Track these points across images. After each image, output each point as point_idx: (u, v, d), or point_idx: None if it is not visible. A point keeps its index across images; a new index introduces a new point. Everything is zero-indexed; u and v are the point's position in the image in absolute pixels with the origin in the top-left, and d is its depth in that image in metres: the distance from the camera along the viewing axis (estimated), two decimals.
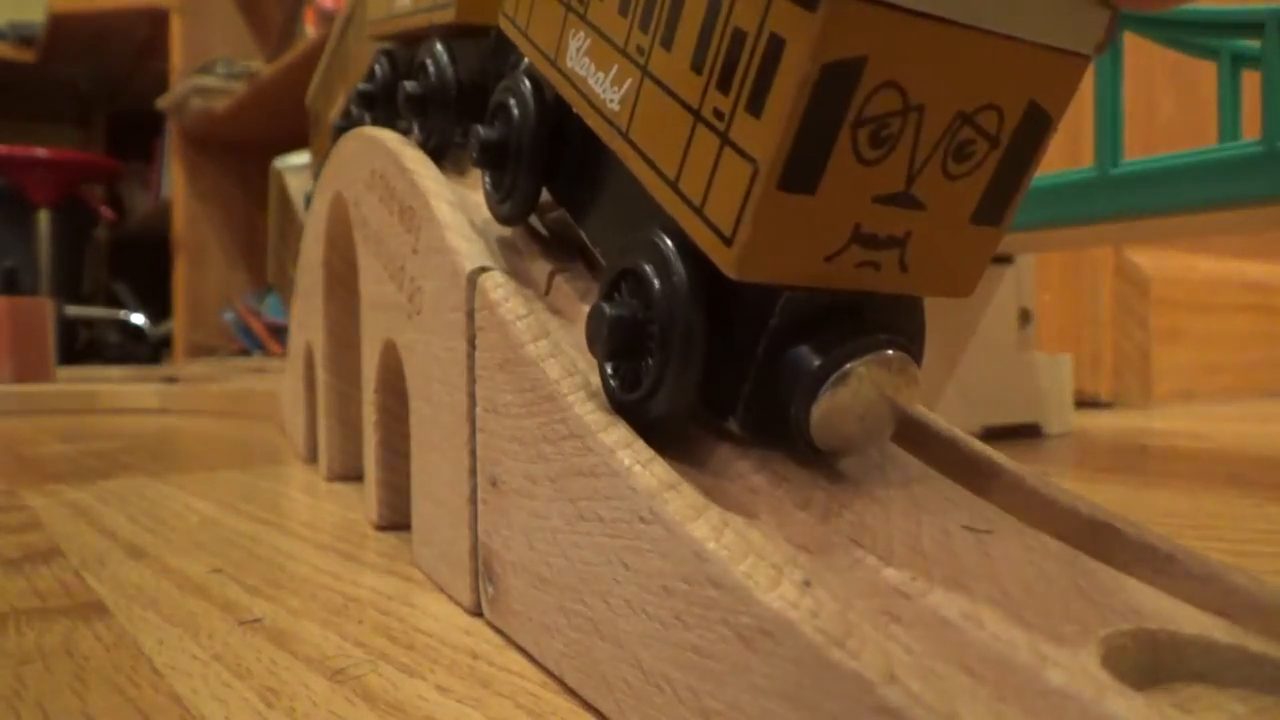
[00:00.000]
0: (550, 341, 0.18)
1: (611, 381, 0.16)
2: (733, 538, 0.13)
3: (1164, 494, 0.35)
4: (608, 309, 0.16)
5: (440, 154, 0.29)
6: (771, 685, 0.11)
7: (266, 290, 1.53)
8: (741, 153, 0.13)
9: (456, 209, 0.23)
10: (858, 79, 0.12)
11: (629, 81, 0.16)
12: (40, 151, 2.02)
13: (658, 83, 0.15)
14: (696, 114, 0.14)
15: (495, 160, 0.21)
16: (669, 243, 0.15)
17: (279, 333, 1.40)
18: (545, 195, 0.22)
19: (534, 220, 0.24)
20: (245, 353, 1.55)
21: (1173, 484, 0.37)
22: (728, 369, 0.15)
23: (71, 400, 0.81)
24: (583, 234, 0.20)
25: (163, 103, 1.73)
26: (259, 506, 0.33)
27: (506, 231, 0.24)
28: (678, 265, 0.15)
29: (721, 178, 0.14)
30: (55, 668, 0.18)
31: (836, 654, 0.11)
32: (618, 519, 0.15)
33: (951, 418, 0.22)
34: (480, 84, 0.28)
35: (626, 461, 0.15)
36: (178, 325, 1.82)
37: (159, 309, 2.05)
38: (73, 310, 2.04)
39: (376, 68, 0.35)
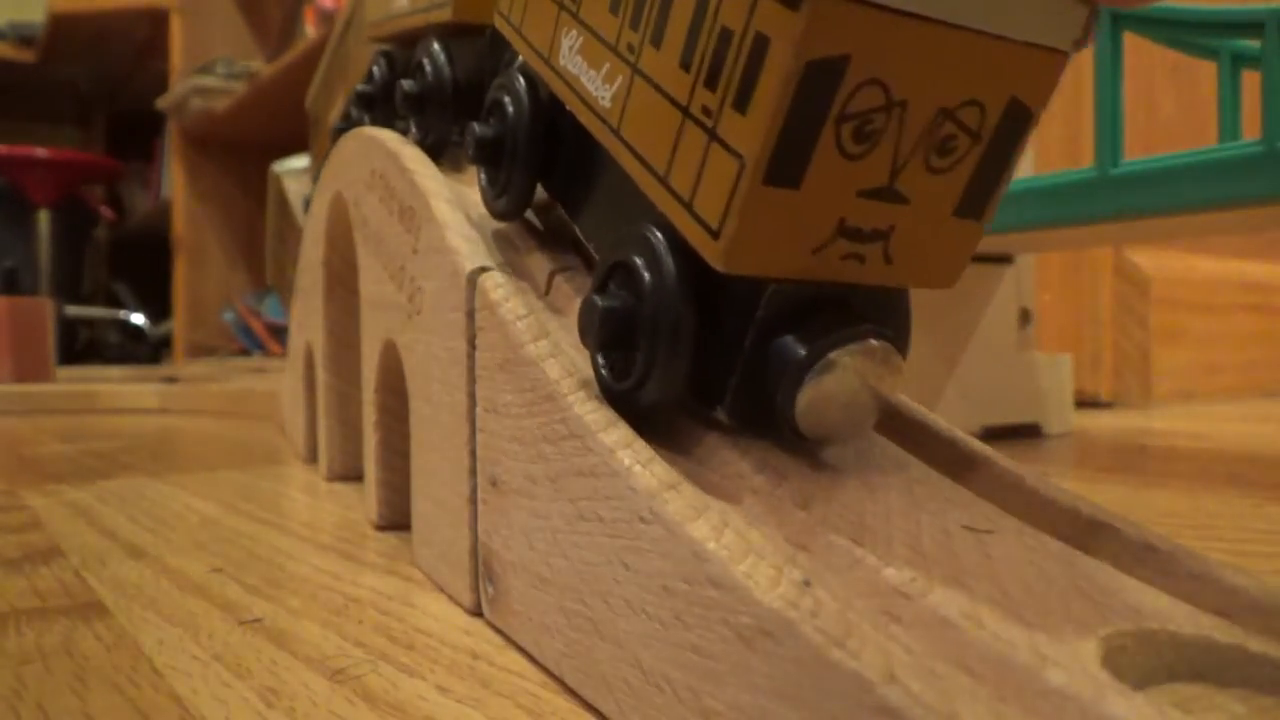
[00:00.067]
0: (550, 341, 0.18)
1: (603, 371, 0.17)
2: (733, 538, 0.13)
3: (1164, 494, 0.35)
4: (599, 301, 0.16)
5: (437, 152, 0.29)
6: (771, 685, 0.11)
7: (266, 290, 1.53)
8: (728, 148, 0.13)
9: (456, 209, 0.23)
10: (841, 76, 0.13)
11: (620, 79, 0.16)
12: (40, 151, 2.02)
13: (648, 80, 0.15)
14: (685, 111, 0.14)
15: (490, 157, 0.22)
16: (659, 237, 0.16)
17: (279, 333, 1.40)
18: (542, 193, 0.22)
19: (534, 219, 0.24)
20: (245, 353, 1.55)
21: (1173, 484, 0.37)
22: (717, 359, 0.16)
23: (71, 400, 0.81)
24: (577, 229, 0.20)
25: (163, 103, 1.73)
26: (259, 506, 0.33)
27: (507, 231, 0.24)
28: (667, 259, 0.16)
29: (709, 173, 0.14)
30: (55, 668, 0.18)
31: (836, 654, 0.11)
32: (618, 519, 0.15)
33: (951, 418, 0.22)
34: (476, 82, 0.28)
35: (626, 461, 0.15)
36: (178, 325, 1.82)
37: (159, 309, 2.05)
38: (73, 310, 2.04)
39: (375, 69, 0.35)
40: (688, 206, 0.14)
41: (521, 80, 0.21)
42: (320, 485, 0.37)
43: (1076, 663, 0.11)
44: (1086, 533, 0.15)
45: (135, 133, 2.24)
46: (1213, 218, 0.38)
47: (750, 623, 0.12)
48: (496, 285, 0.19)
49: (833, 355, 0.15)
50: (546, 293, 0.22)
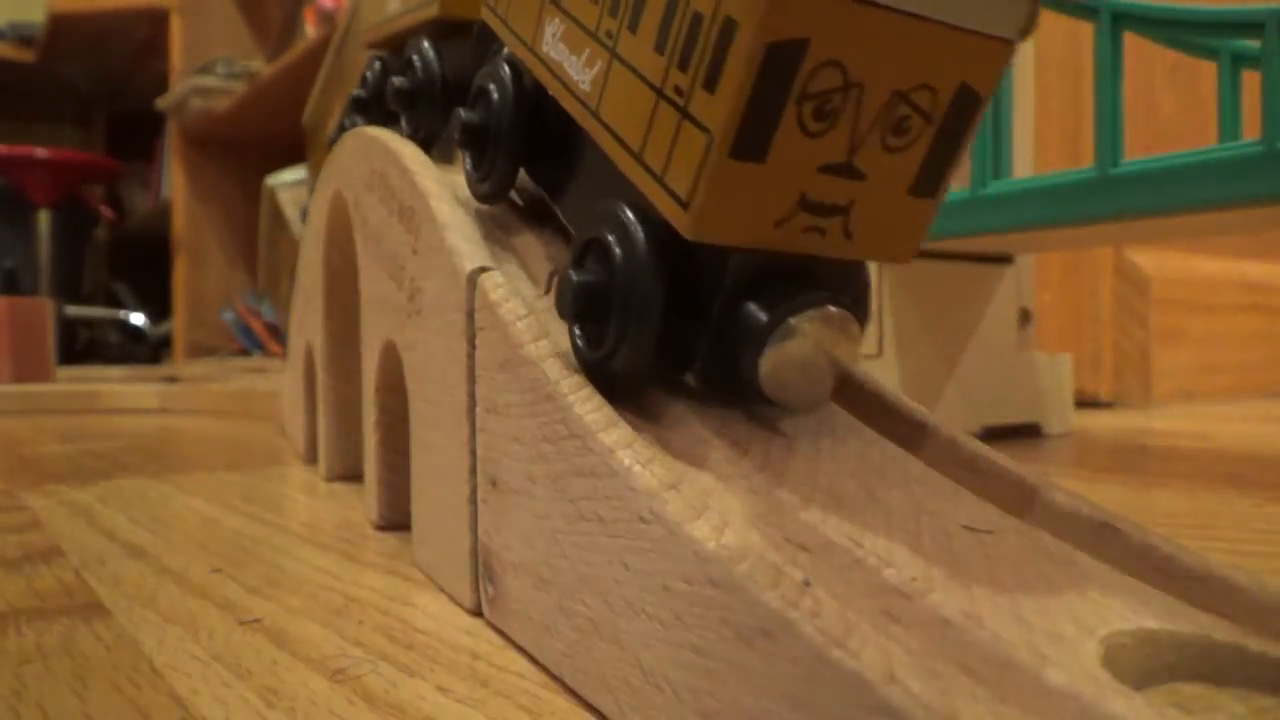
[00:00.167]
0: (550, 341, 0.18)
1: (579, 342, 0.18)
2: (733, 538, 0.13)
3: (1164, 494, 0.35)
4: (575, 275, 0.17)
5: (428, 144, 0.30)
6: (771, 685, 0.11)
7: (266, 291, 1.53)
8: (698, 125, 0.14)
9: (456, 208, 0.23)
10: (801, 58, 0.14)
11: (599, 64, 0.17)
12: (40, 151, 2.02)
13: (625, 64, 0.16)
14: (659, 91, 0.15)
15: (476, 142, 0.23)
16: (630, 214, 0.17)
17: (279, 333, 1.40)
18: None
19: (534, 219, 0.24)
20: (245, 353, 1.55)
21: (1173, 484, 0.37)
22: (688, 327, 0.17)
23: (71, 400, 0.81)
24: (558, 211, 0.21)
25: (163, 103, 1.73)
26: (259, 506, 0.33)
27: (507, 230, 0.24)
28: (638, 234, 0.16)
29: (680, 148, 0.15)
30: (55, 668, 0.18)
31: (836, 654, 0.11)
32: (618, 519, 0.15)
33: (951, 418, 0.22)
34: (465, 77, 0.28)
35: (626, 461, 0.15)
36: (178, 325, 1.82)
37: (159, 309, 2.05)
38: (73, 310, 2.04)
39: (368, 74, 0.36)
40: (660, 180, 0.15)
41: (506, 68, 0.22)
42: (320, 485, 0.37)
43: (1076, 663, 0.11)
44: (1086, 533, 0.15)
45: (135, 133, 2.24)
46: (1213, 218, 0.38)
47: (750, 623, 0.12)
48: (496, 285, 0.19)
49: (793, 321, 0.16)
50: (546, 292, 0.22)
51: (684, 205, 0.15)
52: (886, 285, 0.48)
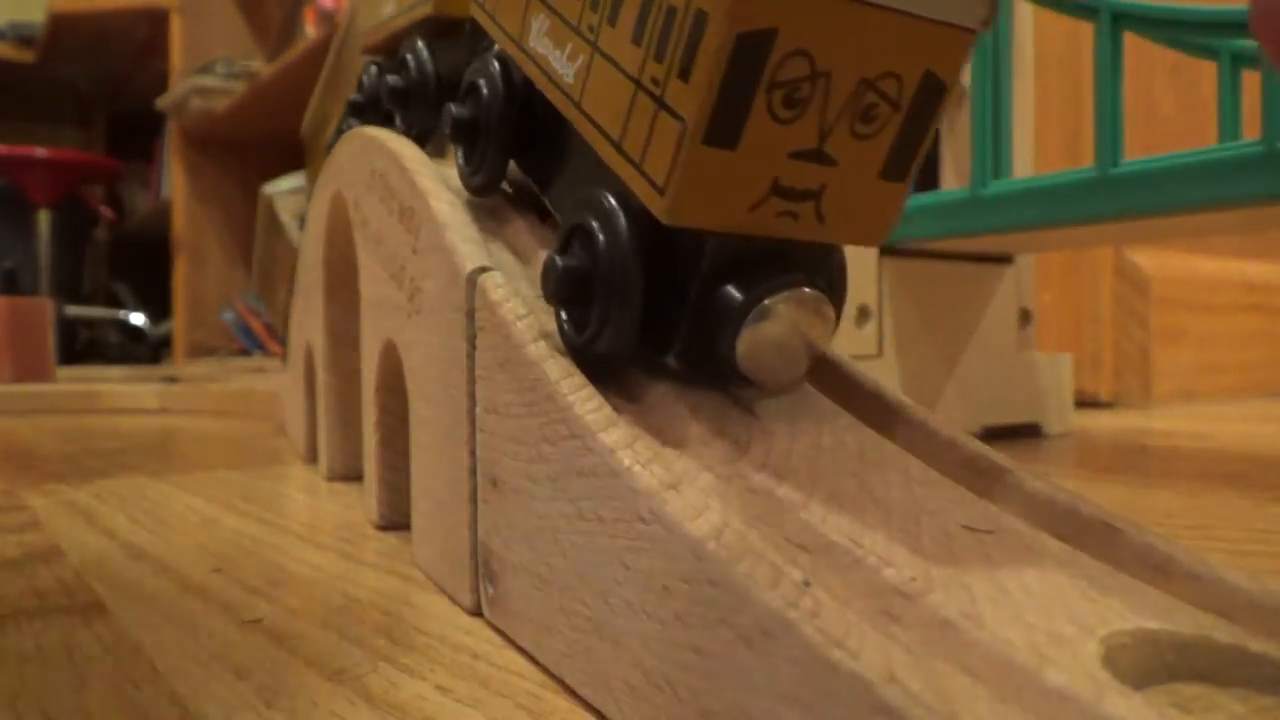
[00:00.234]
0: (550, 341, 0.18)
1: (565, 326, 0.18)
2: (733, 538, 0.13)
3: (1164, 494, 0.35)
4: (559, 261, 0.18)
5: (422, 141, 0.30)
6: (771, 685, 0.11)
7: None
8: (673, 113, 0.15)
9: (456, 208, 0.23)
10: (769, 48, 0.14)
11: (581, 57, 0.18)
12: (40, 151, 2.02)
13: (605, 56, 0.17)
14: (637, 82, 0.16)
15: (467, 136, 0.23)
16: (612, 201, 0.17)
17: (278, 333, 1.40)
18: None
19: (535, 218, 0.24)
20: (245, 353, 1.55)
21: (1173, 484, 0.37)
22: (667, 310, 0.17)
23: (71, 400, 0.81)
24: (546, 201, 0.22)
25: (163, 103, 1.73)
26: (259, 506, 0.33)
27: (507, 230, 0.24)
28: (619, 220, 0.17)
29: (657, 136, 0.15)
30: (55, 668, 0.18)
31: (836, 654, 0.11)
32: (618, 519, 0.15)
33: (951, 418, 0.22)
34: (458, 75, 0.29)
35: (626, 461, 0.15)
36: (178, 325, 1.82)
37: (159, 309, 2.05)
38: (73, 310, 2.04)
39: (364, 77, 0.36)
40: (638, 167, 0.16)
41: (495, 64, 0.22)
42: (320, 485, 0.37)
43: (1076, 663, 0.11)
44: (1086, 533, 0.15)
45: (135, 133, 2.25)
46: (1213, 218, 0.38)
47: (750, 623, 0.12)
48: (496, 285, 0.19)
49: (768, 302, 0.16)
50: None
51: (660, 191, 0.15)
52: (886, 285, 0.48)
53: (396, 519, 0.29)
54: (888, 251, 0.48)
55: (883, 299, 0.48)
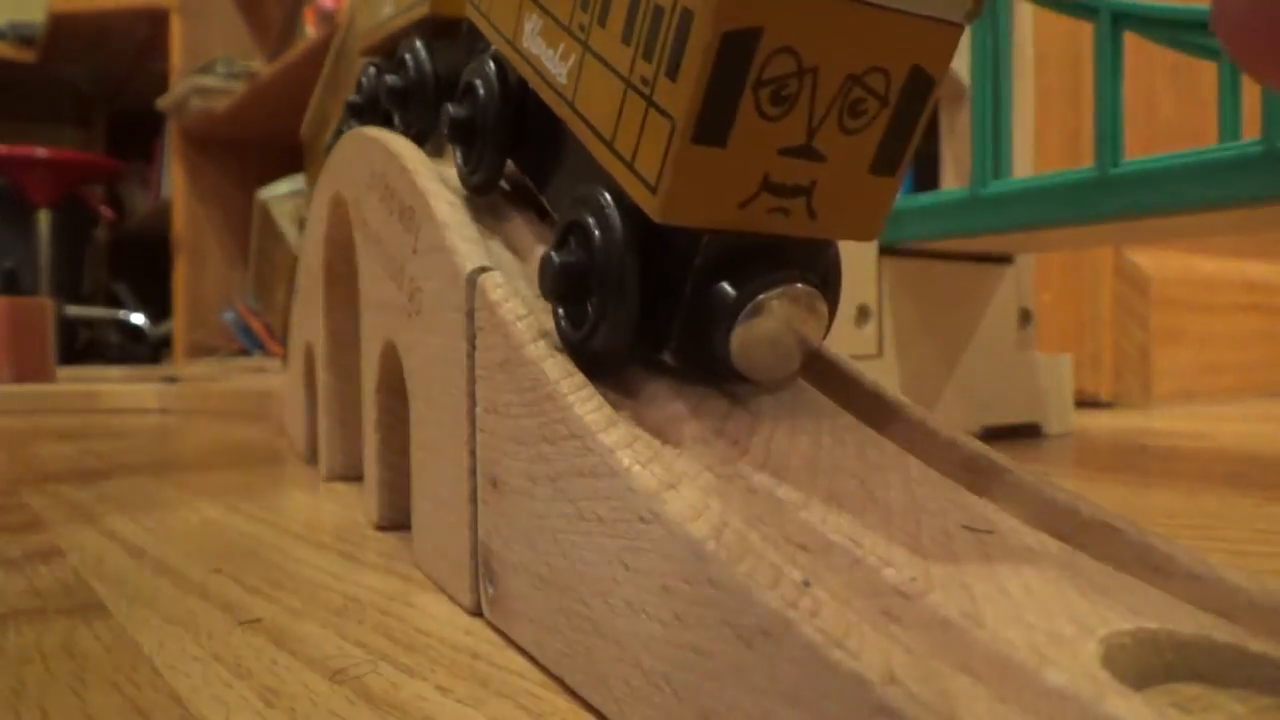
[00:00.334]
0: (550, 341, 0.18)
1: (562, 323, 0.18)
2: (732, 538, 0.13)
3: (1164, 494, 0.35)
4: (556, 258, 0.18)
5: (421, 141, 0.30)
6: (771, 685, 0.11)
7: None
8: (663, 112, 0.15)
9: (457, 209, 0.23)
10: (755, 45, 0.14)
11: (573, 57, 0.18)
12: (40, 151, 2.02)
13: (596, 56, 0.17)
14: (627, 81, 0.16)
15: (464, 136, 0.23)
16: (607, 198, 0.17)
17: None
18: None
19: (534, 214, 0.24)
20: (245, 353, 1.56)
21: (1173, 484, 0.37)
22: (662, 307, 0.17)
23: (71, 400, 0.81)
24: (543, 200, 0.22)
25: (163, 103, 1.74)
26: (259, 506, 0.33)
27: (507, 229, 0.24)
28: (615, 217, 0.17)
29: (647, 135, 0.16)
30: (55, 668, 0.18)
31: (836, 654, 0.11)
32: (618, 519, 0.15)
33: (951, 418, 0.22)
34: (456, 75, 0.29)
35: (626, 461, 0.15)
36: (178, 325, 1.82)
37: (159, 309, 2.05)
38: (73, 310, 2.04)
39: (363, 79, 0.36)
40: (630, 166, 0.16)
41: (491, 65, 0.23)
42: (320, 485, 0.37)
43: (1076, 663, 0.11)
44: (1086, 533, 0.15)
45: (135, 133, 2.25)
46: (1213, 218, 0.38)
47: (750, 623, 0.12)
48: (496, 285, 0.19)
49: (761, 298, 0.16)
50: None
51: (652, 189, 0.15)
52: (886, 285, 0.48)
53: (396, 519, 0.29)
54: (888, 251, 0.48)
55: (883, 299, 0.48)
